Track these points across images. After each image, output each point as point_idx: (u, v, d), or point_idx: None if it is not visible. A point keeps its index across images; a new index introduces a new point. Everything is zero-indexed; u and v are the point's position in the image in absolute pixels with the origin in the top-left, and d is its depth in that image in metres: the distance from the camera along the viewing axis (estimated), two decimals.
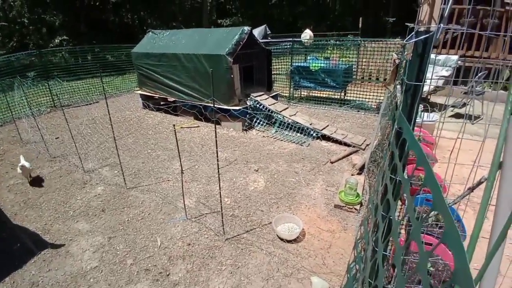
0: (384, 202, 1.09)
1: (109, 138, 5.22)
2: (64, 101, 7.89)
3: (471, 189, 1.44)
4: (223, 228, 2.75)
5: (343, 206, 3.13)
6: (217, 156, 2.46)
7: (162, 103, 6.58)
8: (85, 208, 3.28)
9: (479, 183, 1.31)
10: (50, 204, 3.41)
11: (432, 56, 7.03)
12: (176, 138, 2.73)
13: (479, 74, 6.36)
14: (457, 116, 5.85)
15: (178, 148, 2.75)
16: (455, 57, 6.44)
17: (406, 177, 1.03)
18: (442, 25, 0.82)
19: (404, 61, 2.97)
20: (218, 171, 2.50)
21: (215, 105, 5.37)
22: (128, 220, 3.04)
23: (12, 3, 15.37)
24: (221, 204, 2.70)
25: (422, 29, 0.83)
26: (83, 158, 4.31)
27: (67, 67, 9.68)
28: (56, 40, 16.15)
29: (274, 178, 3.80)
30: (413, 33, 0.90)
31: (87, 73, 9.38)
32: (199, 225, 2.93)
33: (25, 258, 2.60)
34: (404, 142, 0.91)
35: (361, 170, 3.87)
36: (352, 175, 3.77)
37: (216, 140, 2.42)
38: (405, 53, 4.56)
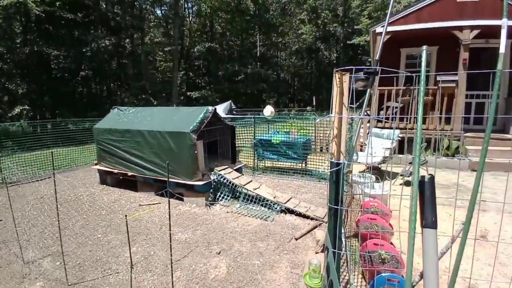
0: None
1: (55, 222, 4.70)
2: (14, 176, 7.23)
3: (452, 240, 1.48)
4: None
5: None
6: (171, 248, 2.31)
7: (121, 177, 6.34)
8: None
9: (458, 233, 1.35)
10: None
11: (378, 130, 7.97)
12: (127, 227, 2.56)
13: (421, 145, 7.26)
14: (407, 183, 6.36)
15: (128, 238, 2.55)
16: (397, 132, 7.36)
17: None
18: (346, 161, 0.97)
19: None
20: (172, 263, 2.31)
21: (178, 181, 5.31)
22: None
23: None
24: None
25: (334, 161, 0.98)
26: (25, 245, 3.78)
27: (23, 138, 9.19)
28: (17, 110, 15.62)
29: (237, 261, 3.59)
30: (325, 166, 1.05)
31: (43, 145, 8.94)
32: None
33: None
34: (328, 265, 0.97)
35: (324, 247, 3.84)
36: (316, 253, 3.70)
37: (170, 226, 2.31)
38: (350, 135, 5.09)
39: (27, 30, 17.39)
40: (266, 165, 7.91)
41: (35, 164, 8.04)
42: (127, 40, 20.49)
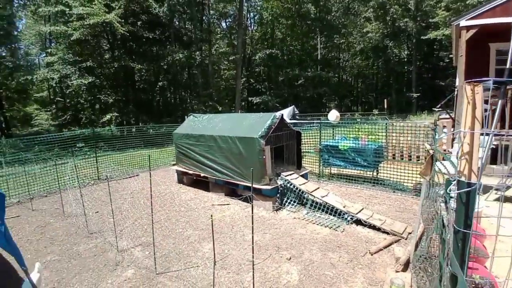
0: None
1: (144, 214, 5.40)
2: (107, 173, 8.56)
3: None
4: None
5: None
6: (253, 250, 2.41)
7: (195, 178, 6.90)
8: None
9: None
10: (82, 286, 3.39)
11: None
12: (213, 229, 2.76)
13: None
14: (503, 199, 5.35)
15: (213, 239, 2.75)
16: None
17: None
18: (482, 182, 0.86)
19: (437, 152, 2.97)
20: (253, 267, 2.41)
21: (246, 184, 5.52)
22: None
23: (70, 83, 18.32)
24: None
25: (463, 180, 0.89)
26: (118, 235, 4.41)
27: (112, 140, 10.84)
28: (108, 116, 18.48)
29: (308, 270, 3.53)
30: (453, 183, 0.95)
31: (129, 147, 10.37)
32: None
33: None
34: None
35: (406, 266, 3.49)
36: (396, 271, 3.39)
37: (252, 230, 2.41)
38: (437, 140, 4.58)
39: (114, 47, 20.52)
40: (332, 172, 7.63)
41: (124, 163, 9.38)
42: (197, 52, 22.37)
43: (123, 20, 17.23)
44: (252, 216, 2.72)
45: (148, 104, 21.94)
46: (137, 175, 8.38)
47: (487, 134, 7.06)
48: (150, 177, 3.55)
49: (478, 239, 3.59)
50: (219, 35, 31.34)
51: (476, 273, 2.74)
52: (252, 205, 2.88)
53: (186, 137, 6.91)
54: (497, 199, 5.33)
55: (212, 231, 2.77)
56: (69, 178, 6.75)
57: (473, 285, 2.63)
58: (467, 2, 20.87)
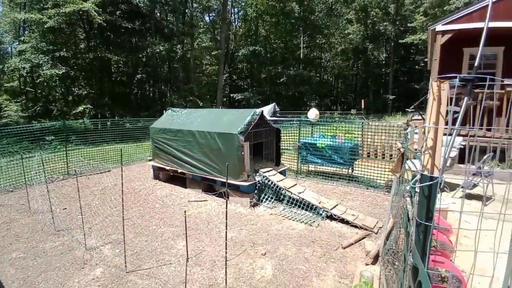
0: None
1: (116, 211, 5.19)
2: (78, 168, 8.16)
3: None
4: None
5: None
6: (226, 246, 2.38)
7: (171, 174, 6.75)
8: None
9: None
10: (47, 285, 3.22)
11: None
12: (186, 225, 2.71)
13: (486, 156, 6.46)
14: (468, 197, 5.70)
15: (186, 236, 2.70)
16: (459, 139, 6.65)
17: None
18: (444, 176, 0.89)
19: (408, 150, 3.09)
20: (226, 262, 2.38)
21: (224, 180, 5.47)
22: None
23: (43, 73, 17.33)
24: None
25: (426, 174, 0.91)
26: (87, 233, 4.22)
27: (86, 134, 10.34)
28: (80, 108, 17.61)
29: (282, 265, 3.57)
30: (417, 176, 0.98)
31: (103, 140, 9.95)
32: None
33: None
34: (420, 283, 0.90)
35: (375, 259, 3.62)
36: (366, 264, 3.51)
37: (226, 225, 2.38)
38: (408, 140, 4.77)
39: (90, 37, 19.54)
40: (310, 169, 7.76)
41: (97, 158, 8.98)
42: (179, 45, 21.83)
43: (101, 9, 16.42)
44: (227, 212, 2.70)
45: (125, 97, 21.12)
46: (109, 171, 8.05)
47: (450, 135, 7.46)
48: (122, 171, 3.42)
49: (444, 234, 3.80)
50: (202, 29, 30.74)
51: (442, 266, 2.89)
52: (227, 200, 2.85)
53: (164, 132, 6.73)
54: (462, 197, 5.67)
55: (185, 226, 2.72)
56: (36, 173, 6.36)
57: (439, 278, 2.77)
58: (445, 8, 21.92)
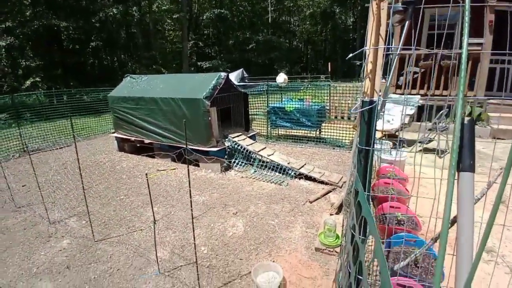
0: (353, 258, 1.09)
1: (79, 185, 4.93)
2: (35, 145, 7.53)
3: (434, 240, 1.48)
4: (198, 283, 2.57)
5: (323, 249, 3.07)
6: (191, 205, 2.39)
7: (138, 145, 6.48)
8: (49, 264, 2.97)
9: (453, 222, 1.35)
10: (14, 260, 3.07)
11: (396, 96, 7.67)
12: (149, 186, 2.65)
13: (441, 111, 6.97)
14: (425, 150, 6.21)
15: (150, 196, 2.65)
16: (417, 97, 7.04)
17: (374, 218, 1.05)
18: (381, 97, 0.91)
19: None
20: (192, 219, 2.41)
21: (193, 147, 5.38)
22: (94, 278, 2.77)
23: None
24: (196, 256, 2.55)
25: (366, 100, 0.92)
26: (50, 207, 4.01)
27: (40, 109, 9.42)
28: (28, 82, 15.87)
29: (253, 221, 3.71)
30: (358, 103, 0.99)
31: (60, 116, 9.15)
32: (173, 279, 2.71)
33: None
34: (360, 204, 0.95)
35: (339, 209, 3.89)
36: (331, 214, 3.77)
37: (190, 188, 2.37)
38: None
39: (35, 2, 17.05)
40: (280, 133, 7.87)
41: (54, 133, 8.30)
42: (135, 8, 19.81)
43: None
44: (189, 173, 2.66)
45: (79, 68, 19.21)
46: (68, 146, 7.52)
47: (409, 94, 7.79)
48: (75, 141, 3.18)
49: (401, 183, 4.14)
50: None
51: (399, 211, 3.18)
52: (187, 165, 2.79)
53: (124, 101, 6.31)
54: (420, 151, 6.15)
55: (148, 185, 2.66)
56: None
57: (396, 222, 3.05)
58: None
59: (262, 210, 3.98)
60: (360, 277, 1.07)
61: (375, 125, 0.96)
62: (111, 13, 17.86)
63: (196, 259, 2.55)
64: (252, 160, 5.64)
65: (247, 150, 5.54)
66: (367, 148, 0.97)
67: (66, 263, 3.00)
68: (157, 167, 5.83)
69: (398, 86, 8.28)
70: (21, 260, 3.08)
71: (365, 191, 1.00)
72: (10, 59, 17.00)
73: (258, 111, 8.03)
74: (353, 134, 6.70)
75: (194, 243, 2.54)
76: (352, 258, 1.12)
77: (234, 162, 5.63)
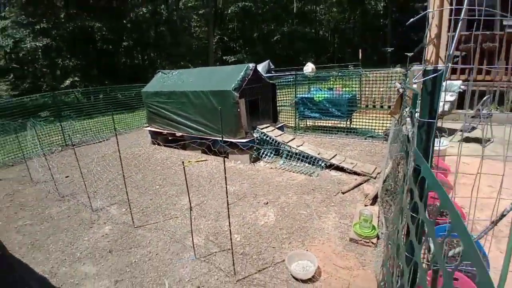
0: (408, 244, 1.02)
1: (118, 176, 5.24)
2: (76, 139, 8.12)
3: (495, 222, 1.35)
4: (233, 268, 2.61)
5: (359, 240, 2.97)
6: (227, 193, 2.42)
7: (170, 138, 6.71)
8: (92, 249, 3.20)
9: (502, 216, 1.23)
10: (57, 246, 3.34)
11: None
12: (185, 174, 2.72)
13: (484, 98, 6.38)
14: (467, 140, 5.74)
15: (187, 184, 2.73)
16: (458, 82, 6.51)
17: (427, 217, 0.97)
18: (449, 64, 0.83)
19: (408, 90, 3.00)
20: (228, 207, 2.44)
21: (224, 139, 5.45)
22: (135, 261, 2.93)
23: (23, 46, 16.52)
24: (231, 243, 2.60)
25: (430, 68, 0.84)
26: (91, 196, 4.30)
27: (79, 106, 10.11)
28: (67, 81, 17.05)
29: (284, 211, 3.69)
30: (420, 72, 0.91)
31: (97, 112, 9.76)
32: (209, 265, 2.79)
33: None
34: (423, 180, 0.88)
35: (374, 200, 3.74)
36: (365, 205, 3.64)
37: (225, 178, 2.40)
38: (407, 81, 4.64)
39: (69, 4, 18.16)
40: (308, 124, 7.72)
41: (93, 129, 8.88)
42: (163, 6, 20.37)
43: None
44: (224, 163, 2.69)
45: (113, 68, 20.27)
46: (106, 140, 8.00)
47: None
48: (116, 135, 3.36)
49: (443, 173, 3.88)
50: None
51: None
52: (226, 158, 2.83)
53: (156, 95, 6.54)
54: (461, 141, 5.70)
55: (185, 173, 2.74)
56: (34, 146, 6.32)
57: (439, 212, 2.87)
58: None
59: (293, 201, 3.95)
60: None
61: (439, 96, 0.88)
62: (141, 13, 18.53)
63: (231, 245, 2.59)
64: (281, 151, 5.60)
65: (276, 141, 5.50)
66: (430, 120, 0.90)
67: (108, 247, 3.21)
68: (188, 159, 6.00)
69: None
70: (65, 246, 3.32)
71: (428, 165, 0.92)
72: (48, 60, 18.36)
73: (286, 103, 7.92)
74: (387, 123, 6.38)
75: (230, 230, 2.58)
76: (405, 257, 1.04)
77: (263, 153, 5.63)
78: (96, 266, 2.92)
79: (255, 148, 5.54)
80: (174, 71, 6.91)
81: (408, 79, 5.45)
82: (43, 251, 3.27)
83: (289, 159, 5.37)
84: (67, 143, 7.81)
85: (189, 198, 2.88)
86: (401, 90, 3.52)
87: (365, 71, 7.17)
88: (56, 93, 9.15)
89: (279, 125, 6.42)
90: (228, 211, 2.49)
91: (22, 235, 3.63)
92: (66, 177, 5.54)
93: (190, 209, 2.88)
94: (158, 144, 7.16)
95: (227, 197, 2.50)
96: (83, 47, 18.99)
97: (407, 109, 2.57)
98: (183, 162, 2.68)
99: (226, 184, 2.42)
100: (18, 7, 16.57)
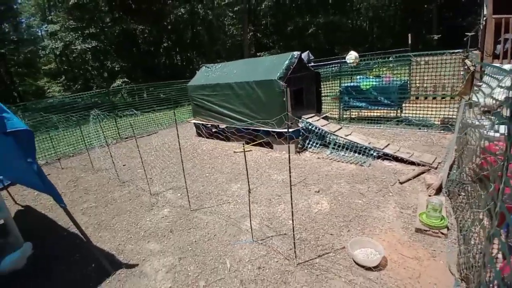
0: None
1: (170, 164, 5.53)
2: (127, 133, 8.73)
3: None
4: (294, 252, 2.59)
5: (426, 230, 2.76)
6: (290, 172, 2.39)
7: (214, 130, 6.89)
8: (155, 229, 3.39)
9: None
10: (122, 225, 3.60)
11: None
12: (245, 156, 2.75)
13: None
14: None
15: (246, 167, 2.75)
16: None
17: None
18: None
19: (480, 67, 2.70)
20: (291, 188, 2.41)
21: (267, 129, 5.45)
22: (195, 241, 3.05)
23: (74, 48, 18.01)
24: (293, 225, 2.57)
25: None
26: (149, 182, 4.58)
27: (126, 104, 10.86)
28: (118, 82, 18.37)
29: (338, 200, 3.57)
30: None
31: (142, 109, 10.37)
32: (267, 248, 2.80)
33: (100, 278, 2.68)
34: None
35: (437, 191, 3.45)
36: (429, 196, 3.37)
37: (289, 166, 2.36)
38: (476, 60, 4.18)
39: (113, 8, 19.48)
40: (352, 115, 7.40)
41: (141, 124, 9.47)
42: (199, 5, 20.97)
43: None
44: (289, 151, 2.66)
45: (154, 69, 21.39)
46: (155, 133, 8.47)
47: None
48: (176, 125, 3.51)
49: None
50: None
51: None
52: (289, 146, 2.79)
53: (201, 88, 6.75)
54: None
55: (245, 158, 2.77)
56: (94, 138, 6.92)
57: None
58: None
59: (345, 190, 3.81)
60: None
61: None
62: (180, 13, 19.25)
63: (293, 228, 2.58)
64: (327, 140, 5.44)
65: (322, 131, 5.35)
66: None
67: (169, 228, 3.38)
68: (233, 149, 6.11)
69: (495, 56, 6.85)
70: (129, 225, 3.57)
71: None
72: (96, 62, 19.95)
73: (328, 93, 7.68)
74: (444, 112, 5.87)
75: (292, 212, 2.56)
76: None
77: (309, 143, 5.52)
78: (160, 244, 3.09)
79: (300, 138, 5.45)
80: (217, 64, 7.06)
81: (472, 60, 4.93)
82: (109, 230, 3.54)
83: (336, 149, 5.19)
84: (120, 136, 8.43)
85: (248, 180, 2.91)
86: (472, 68, 3.19)
87: (417, 55, 6.65)
88: (109, 91, 9.92)
89: (324, 115, 6.24)
90: (291, 190, 2.47)
91: (88, 217, 3.98)
92: (124, 165, 5.97)
93: (249, 191, 2.91)
94: (203, 136, 7.40)
95: (290, 181, 2.47)
96: (128, 49, 20.32)
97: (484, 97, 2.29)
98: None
99: (290, 171, 2.39)
100: (65, 11, 18.11)
